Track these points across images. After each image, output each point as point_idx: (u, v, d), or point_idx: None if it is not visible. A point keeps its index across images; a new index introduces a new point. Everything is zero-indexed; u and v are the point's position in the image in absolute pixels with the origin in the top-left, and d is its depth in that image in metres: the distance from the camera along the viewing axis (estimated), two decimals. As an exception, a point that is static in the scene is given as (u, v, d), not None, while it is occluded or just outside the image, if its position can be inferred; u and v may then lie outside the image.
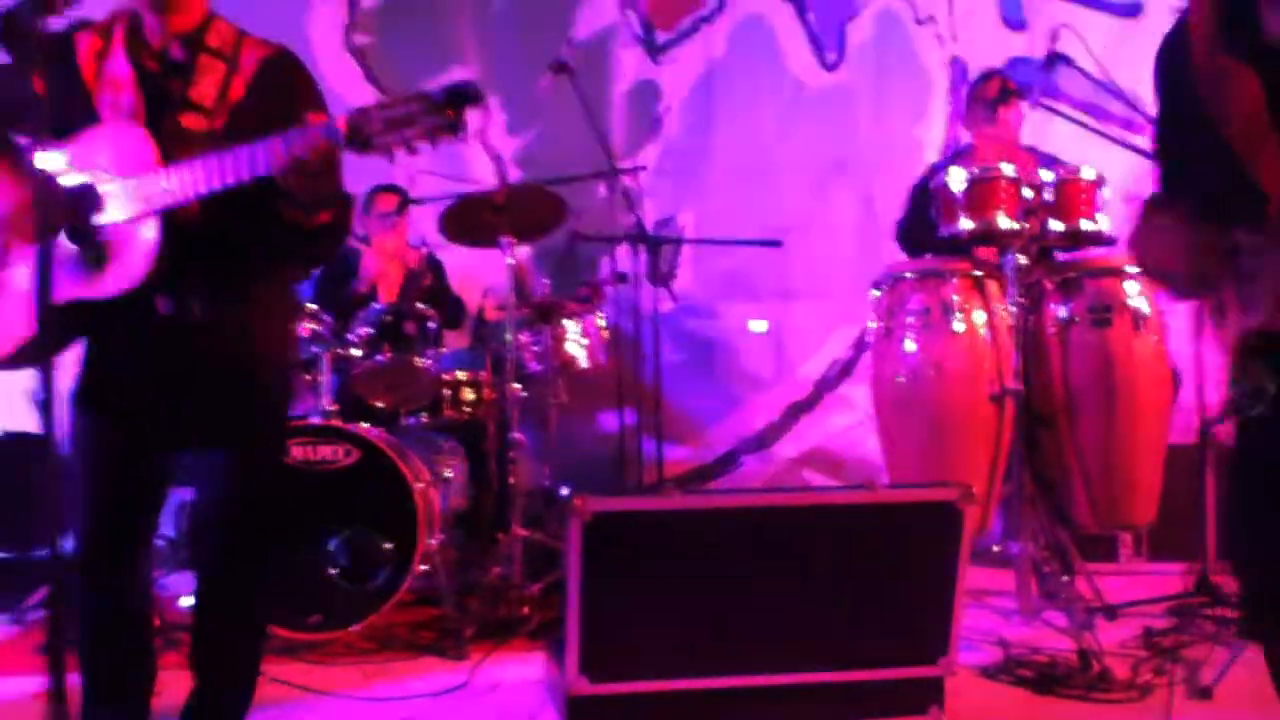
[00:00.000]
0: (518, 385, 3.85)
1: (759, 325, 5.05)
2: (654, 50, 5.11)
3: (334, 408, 3.70)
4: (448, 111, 1.90)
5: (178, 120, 2.12)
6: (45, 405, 1.76)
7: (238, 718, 2.34)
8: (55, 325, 1.92)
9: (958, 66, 5.00)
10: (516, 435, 3.84)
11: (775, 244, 4.45)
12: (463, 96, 1.91)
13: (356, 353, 3.76)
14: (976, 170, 3.34)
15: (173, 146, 2.07)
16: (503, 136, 5.12)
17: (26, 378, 4.52)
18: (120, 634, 2.23)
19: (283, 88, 2.19)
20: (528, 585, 3.68)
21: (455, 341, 4.53)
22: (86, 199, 2.07)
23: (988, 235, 3.32)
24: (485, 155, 5.08)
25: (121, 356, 2.19)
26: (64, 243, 2.08)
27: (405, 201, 4.38)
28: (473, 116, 5.08)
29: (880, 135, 5.03)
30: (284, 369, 2.44)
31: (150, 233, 2.05)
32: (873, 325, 3.71)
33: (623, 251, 4.77)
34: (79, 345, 2.24)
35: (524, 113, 5.07)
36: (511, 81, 5.06)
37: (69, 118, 2.09)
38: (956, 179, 3.34)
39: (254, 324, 2.25)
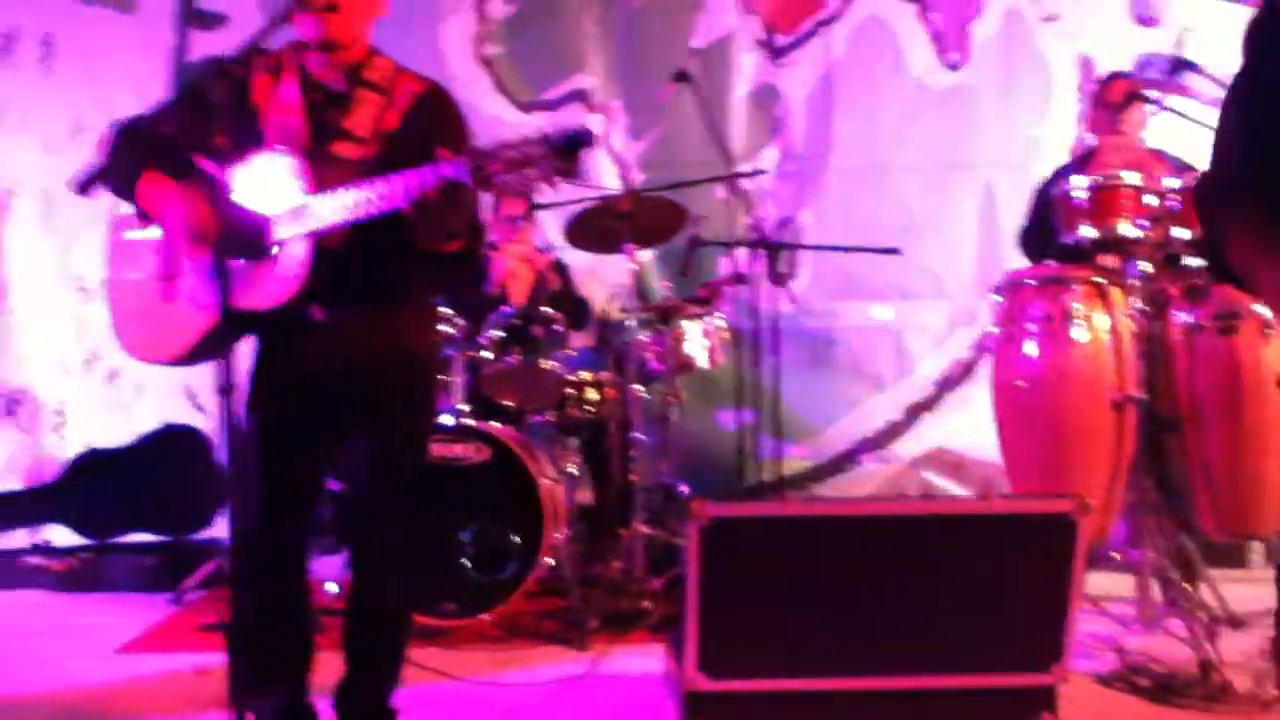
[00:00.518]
0: (639, 387, 3.98)
1: (884, 312, 5.05)
2: (774, 53, 5.15)
3: (466, 407, 3.89)
4: (565, 156, 2.03)
5: (333, 148, 2.30)
6: (225, 396, 1.95)
7: (385, 698, 2.53)
8: (223, 331, 2.15)
9: (1084, 64, 4.93)
10: (637, 435, 3.96)
11: (894, 252, 4.45)
12: (578, 142, 2.03)
13: (487, 355, 3.94)
14: (1099, 178, 3.32)
15: (327, 172, 2.25)
16: (625, 140, 5.23)
17: (182, 374, 4.83)
18: (283, 618, 2.43)
19: (431, 121, 2.36)
20: (649, 580, 3.81)
21: (579, 341, 4.67)
22: (251, 219, 2.27)
23: (1110, 243, 3.31)
24: (608, 159, 5.23)
25: (283, 360, 2.39)
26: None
27: (531, 207, 4.53)
28: (596, 121, 5.26)
29: (1004, 135, 4.99)
30: (429, 367, 2.62)
31: (302, 251, 2.23)
32: (994, 330, 3.71)
33: (742, 252, 4.86)
34: (242, 348, 2.46)
35: (646, 117, 5.16)
36: (633, 87, 5.17)
37: (241, 142, 2.28)
38: (1078, 186, 3.33)
39: (400, 326, 2.44)
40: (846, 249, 4.58)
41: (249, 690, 2.14)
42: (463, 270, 2.45)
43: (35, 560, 4.58)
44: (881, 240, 4.61)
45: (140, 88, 5.35)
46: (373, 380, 2.40)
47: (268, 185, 2.27)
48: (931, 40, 5.06)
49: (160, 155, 2.31)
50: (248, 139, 2.31)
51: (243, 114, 2.31)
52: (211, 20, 5.31)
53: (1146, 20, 4.87)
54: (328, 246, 2.25)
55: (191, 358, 2.39)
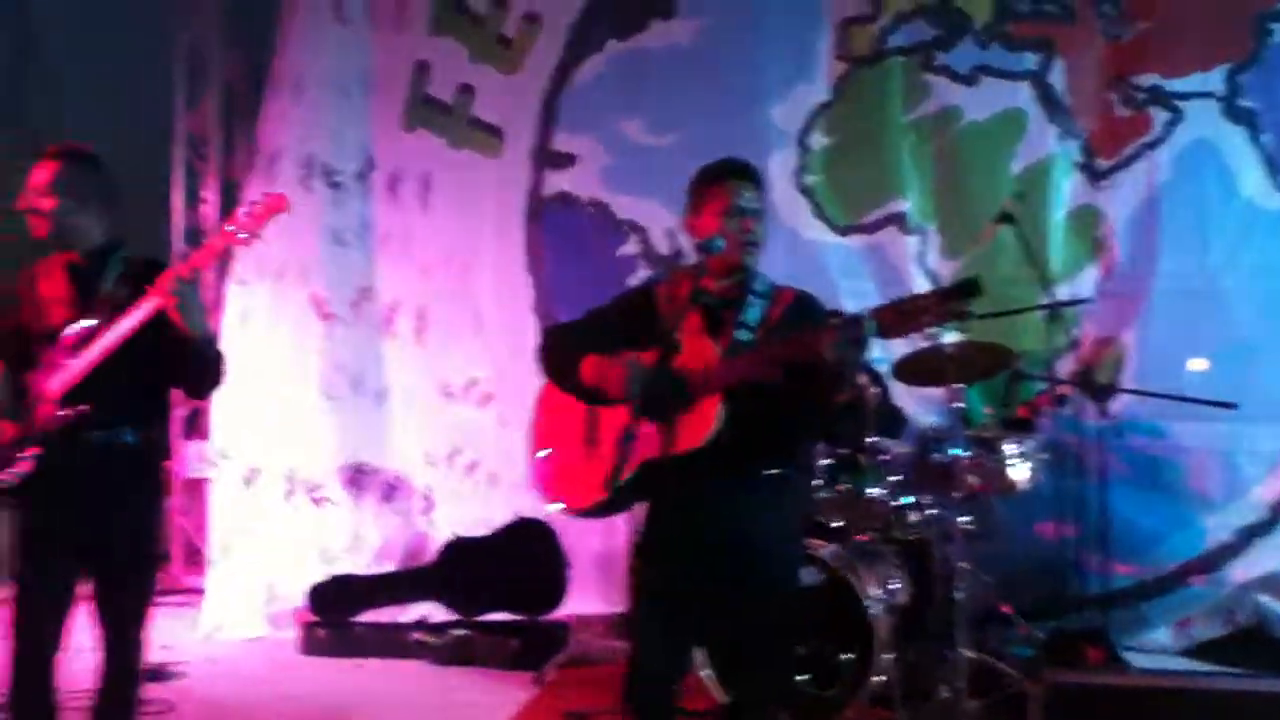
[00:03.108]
0: (964, 519, 4.18)
1: (1214, 433, 4.93)
2: (1095, 176, 5.22)
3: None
4: (956, 304, 2.36)
5: (732, 333, 2.75)
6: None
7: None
8: (634, 486, 2.61)
9: None
10: (962, 564, 4.15)
11: (1229, 406, 4.40)
12: (969, 291, 2.36)
13: (818, 482, 4.28)
14: None
15: (730, 346, 2.70)
16: (939, 260, 5.43)
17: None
18: None
19: (808, 312, 2.80)
20: (972, 702, 3.99)
21: (897, 449, 4.85)
22: (674, 384, 2.67)
23: None
24: (923, 278, 5.43)
25: (669, 521, 2.80)
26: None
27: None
28: (911, 242, 5.49)
29: (1343, 258, 4.85)
30: (798, 531, 2.99)
31: (715, 408, 2.63)
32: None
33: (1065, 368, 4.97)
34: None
35: (961, 237, 5.35)
36: (950, 209, 5.39)
37: (650, 337, 2.77)
38: None
39: (779, 495, 2.80)
40: (1177, 397, 4.57)
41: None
42: (849, 418, 2.81)
43: (418, 635, 5.28)
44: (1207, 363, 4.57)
45: (500, 221, 6.10)
46: (751, 549, 2.75)
47: (685, 358, 2.70)
48: (1263, 162, 4.99)
49: (590, 344, 2.83)
50: (657, 335, 2.77)
51: (652, 320, 2.82)
52: (563, 160, 5.98)
53: None
54: (736, 399, 2.63)
55: (599, 510, 2.84)
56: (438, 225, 6.14)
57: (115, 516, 3.07)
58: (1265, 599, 4.84)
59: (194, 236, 7.23)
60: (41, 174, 3.08)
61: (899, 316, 2.40)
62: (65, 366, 2.99)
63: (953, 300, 2.34)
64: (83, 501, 3.02)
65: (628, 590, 2.90)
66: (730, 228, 2.74)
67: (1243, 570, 4.94)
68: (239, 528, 5.80)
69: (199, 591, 5.90)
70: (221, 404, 5.81)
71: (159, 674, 4.57)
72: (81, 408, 2.98)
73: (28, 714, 3.07)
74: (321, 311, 6.06)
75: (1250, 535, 4.94)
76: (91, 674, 3.15)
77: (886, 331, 2.42)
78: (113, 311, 2.99)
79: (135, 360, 2.98)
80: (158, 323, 2.94)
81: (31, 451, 2.98)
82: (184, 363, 3.05)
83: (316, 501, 6.00)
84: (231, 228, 2.99)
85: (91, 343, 2.98)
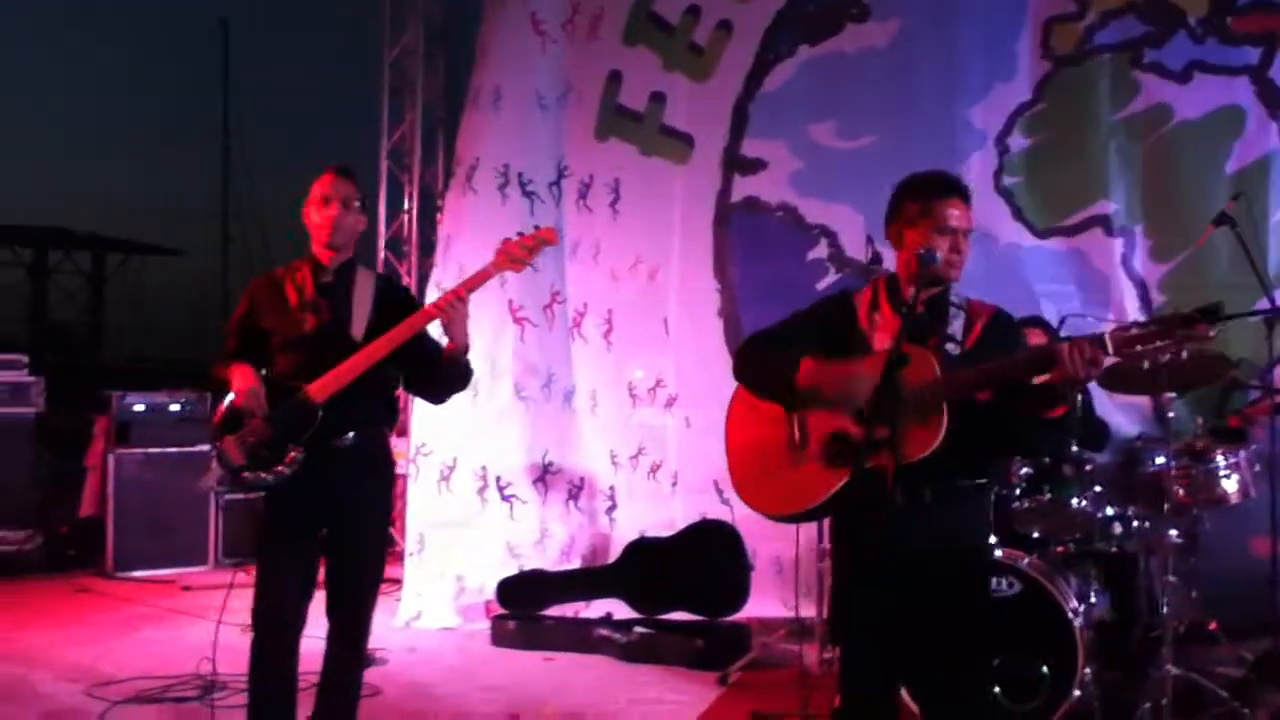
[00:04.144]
0: (1172, 532, 4.01)
1: None
2: (1320, 174, 4.95)
3: (993, 539, 4.11)
4: (1199, 329, 2.31)
5: (941, 344, 2.74)
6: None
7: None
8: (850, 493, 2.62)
9: None
10: (1168, 579, 3.98)
11: None
12: (1213, 317, 2.31)
13: (1017, 490, 4.18)
14: None
15: (940, 356, 2.68)
16: (1146, 263, 5.23)
17: (713, 470, 5.33)
18: None
19: (1005, 331, 2.79)
20: (1177, 721, 3.82)
21: (1100, 460, 4.68)
22: (922, 395, 2.65)
23: None
24: (1128, 282, 5.24)
25: (881, 531, 2.73)
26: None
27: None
28: (1116, 244, 5.28)
29: None
30: (990, 541, 2.94)
31: (942, 419, 2.60)
32: None
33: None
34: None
35: (1170, 240, 5.15)
36: (1158, 211, 5.20)
37: (850, 345, 2.81)
38: None
39: (978, 506, 2.81)
40: None
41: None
42: (1059, 434, 2.75)
43: (603, 632, 5.39)
44: None
45: (688, 226, 6.16)
46: (956, 559, 2.75)
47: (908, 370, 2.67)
48: None
49: (793, 349, 2.83)
50: (857, 345, 2.80)
51: (849, 328, 2.83)
52: (752, 165, 6.01)
53: None
54: (960, 412, 2.59)
55: (808, 516, 2.86)
56: (626, 231, 6.24)
57: (357, 512, 3.30)
58: None
59: (395, 245, 7.61)
60: (326, 184, 3.33)
61: (1138, 340, 2.35)
62: (330, 373, 3.17)
63: (1196, 325, 2.28)
64: (329, 497, 3.24)
65: (832, 598, 2.88)
66: (941, 246, 2.73)
67: None
68: (433, 522, 6.01)
69: (395, 581, 6.14)
70: (423, 403, 6.06)
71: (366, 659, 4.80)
72: (342, 413, 3.18)
73: (269, 689, 3.31)
74: (515, 315, 6.24)
75: None
76: (318, 656, 3.37)
77: (1123, 354, 2.38)
78: (369, 325, 3.23)
79: (388, 369, 3.22)
80: (414, 337, 3.17)
81: (294, 454, 3.18)
82: (439, 372, 3.26)
83: (507, 498, 6.18)
84: (507, 255, 3.15)
85: (358, 352, 3.18)
